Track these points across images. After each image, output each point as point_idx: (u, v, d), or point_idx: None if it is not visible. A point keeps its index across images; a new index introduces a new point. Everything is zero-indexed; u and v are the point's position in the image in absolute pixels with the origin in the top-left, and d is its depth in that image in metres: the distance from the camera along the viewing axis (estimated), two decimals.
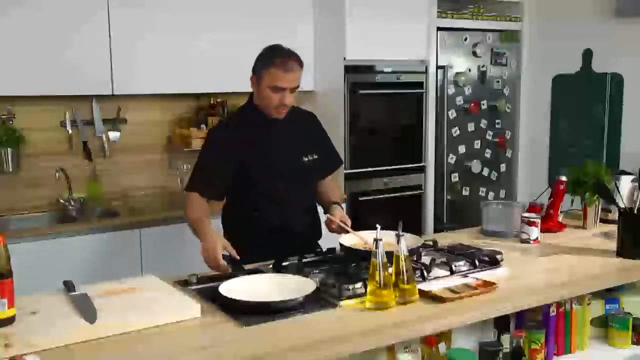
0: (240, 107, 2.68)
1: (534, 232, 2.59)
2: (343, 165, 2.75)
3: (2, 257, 1.64)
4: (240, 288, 1.95)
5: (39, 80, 3.26)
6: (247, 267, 2.18)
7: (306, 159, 2.60)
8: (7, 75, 3.17)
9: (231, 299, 1.86)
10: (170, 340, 1.66)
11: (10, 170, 3.42)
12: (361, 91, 3.99)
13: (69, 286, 1.92)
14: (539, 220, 2.61)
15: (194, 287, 2.05)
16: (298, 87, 2.46)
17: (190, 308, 1.82)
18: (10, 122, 3.45)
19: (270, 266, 2.22)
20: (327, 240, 2.59)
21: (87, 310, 1.74)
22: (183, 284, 2.07)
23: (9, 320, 1.65)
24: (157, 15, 3.53)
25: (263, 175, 2.49)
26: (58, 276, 2.10)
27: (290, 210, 2.54)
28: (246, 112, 2.57)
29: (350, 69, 3.94)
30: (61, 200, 3.57)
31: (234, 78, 3.79)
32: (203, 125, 3.92)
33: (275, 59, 2.41)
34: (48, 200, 3.59)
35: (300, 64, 2.44)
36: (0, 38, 3.15)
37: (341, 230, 2.42)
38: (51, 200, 3.60)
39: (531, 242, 2.59)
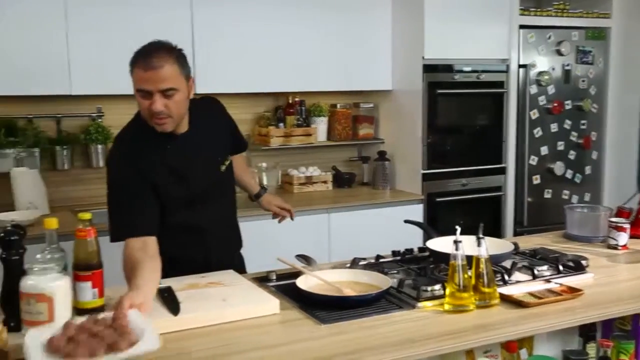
0: (129, 123, 2.20)
1: (623, 237, 2.48)
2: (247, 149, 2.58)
3: (94, 249, 1.71)
4: (316, 283, 1.97)
5: (125, 79, 3.38)
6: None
7: (223, 167, 2.23)
8: (97, 75, 3.32)
9: (307, 292, 1.89)
10: (248, 336, 1.69)
11: (100, 165, 3.58)
12: (439, 90, 3.93)
13: None
14: (628, 226, 2.50)
15: (272, 283, 2.08)
16: (174, 89, 1.96)
17: (269, 304, 1.84)
18: (100, 120, 3.60)
19: (348, 265, 2.23)
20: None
21: (171, 302, 1.79)
22: (262, 280, 2.10)
23: (99, 310, 1.71)
24: (238, 15, 3.60)
25: (178, 202, 2.10)
26: None
27: (210, 235, 2.19)
28: (141, 127, 2.09)
29: (429, 68, 3.90)
30: None
31: (311, 77, 3.86)
32: (281, 124, 3.98)
33: (138, 56, 1.98)
34: None
35: (168, 57, 1.95)
36: (89, 40, 3.29)
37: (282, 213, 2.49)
38: None
39: (619, 248, 2.48)
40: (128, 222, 1.99)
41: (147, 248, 1.93)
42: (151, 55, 1.95)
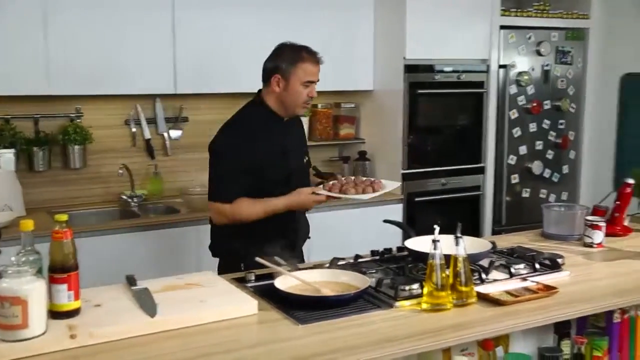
0: (246, 107, 2.60)
1: (598, 235, 2.51)
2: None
3: (70, 251, 1.69)
4: (295, 283, 1.98)
5: (105, 79, 3.37)
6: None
7: (305, 160, 2.66)
8: (76, 75, 3.29)
9: (285, 292, 1.89)
10: (226, 337, 1.68)
11: (78, 166, 3.55)
12: (420, 90, 3.95)
13: (130, 280, 1.97)
14: (603, 224, 2.53)
15: (251, 284, 2.07)
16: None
17: (247, 305, 1.84)
18: (79, 120, 3.57)
19: (327, 265, 2.23)
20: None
21: (148, 304, 1.78)
22: (240, 280, 2.10)
23: (75, 312, 1.71)
24: (218, 15, 3.59)
25: (278, 176, 2.48)
26: (120, 270, 2.16)
27: (298, 213, 2.55)
28: (256, 112, 2.52)
29: (410, 69, 3.91)
30: (124, 197, 3.68)
31: None
32: None
33: (303, 53, 2.44)
34: (112, 196, 3.71)
35: None
36: (69, 39, 3.26)
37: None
38: (114, 196, 3.71)
39: (594, 246, 2.51)
40: (238, 186, 2.43)
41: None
42: (316, 53, 2.47)
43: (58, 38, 3.23)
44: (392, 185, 2.54)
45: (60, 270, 1.68)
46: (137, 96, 3.67)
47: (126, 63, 3.39)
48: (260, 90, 2.55)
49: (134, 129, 3.75)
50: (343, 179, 2.52)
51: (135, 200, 3.65)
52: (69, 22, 3.25)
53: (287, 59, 2.44)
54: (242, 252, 2.30)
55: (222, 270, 2.44)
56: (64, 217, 1.71)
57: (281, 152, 2.50)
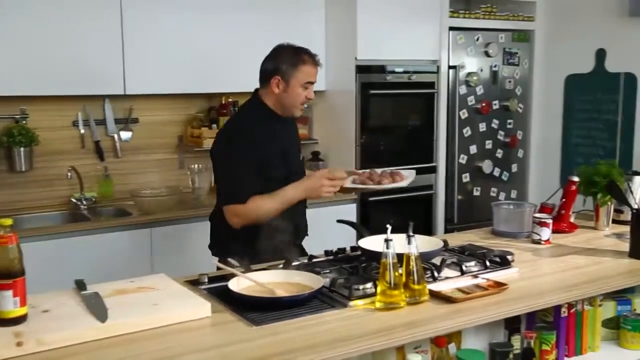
0: (246, 107, 2.64)
1: (546, 232, 2.58)
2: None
3: (15, 256, 1.65)
4: (249, 284, 1.96)
5: (51, 80, 3.29)
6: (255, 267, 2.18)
7: (301, 157, 2.76)
8: (21, 76, 3.20)
9: (239, 294, 1.88)
10: (180, 340, 1.66)
11: (24, 169, 3.45)
12: (372, 91, 3.98)
13: (80, 285, 1.93)
14: (550, 221, 2.59)
15: (204, 286, 2.05)
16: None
17: (200, 307, 1.82)
18: (24, 122, 3.47)
19: (280, 266, 2.22)
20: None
21: (98, 309, 1.75)
22: (194, 283, 2.08)
23: (21, 319, 1.66)
24: (169, 15, 3.55)
25: (281, 176, 2.51)
26: (69, 275, 2.11)
27: (298, 209, 2.56)
28: (258, 113, 2.54)
29: (362, 69, 3.94)
30: (73, 200, 3.60)
31: (244, 77, 3.79)
32: (214, 125, 3.93)
33: (304, 56, 2.48)
34: (60, 200, 3.62)
35: None
36: (13, 38, 3.18)
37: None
38: (63, 199, 3.62)
39: (542, 242, 2.57)
40: (250, 187, 2.42)
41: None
42: (315, 55, 2.51)
43: (2, 37, 3.14)
44: (411, 173, 2.71)
45: (5, 276, 1.63)
46: (85, 97, 3.60)
47: (73, 63, 3.31)
48: (257, 90, 2.57)
49: (82, 131, 3.67)
50: (361, 171, 2.68)
51: (84, 203, 3.57)
52: (11, 20, 3.16)
53: (287, 60, 2.46)
54: (241, 251, 2.26)
55: None
56: (8, 221, 1.66)
57: (282, 152, 2.54)
